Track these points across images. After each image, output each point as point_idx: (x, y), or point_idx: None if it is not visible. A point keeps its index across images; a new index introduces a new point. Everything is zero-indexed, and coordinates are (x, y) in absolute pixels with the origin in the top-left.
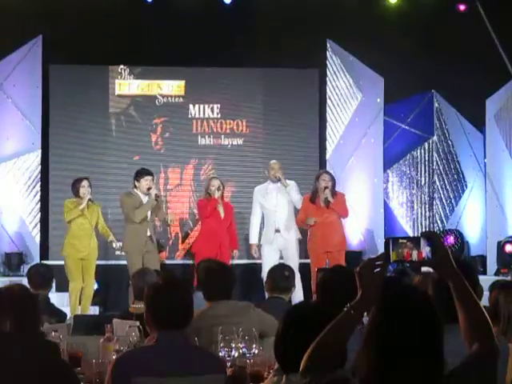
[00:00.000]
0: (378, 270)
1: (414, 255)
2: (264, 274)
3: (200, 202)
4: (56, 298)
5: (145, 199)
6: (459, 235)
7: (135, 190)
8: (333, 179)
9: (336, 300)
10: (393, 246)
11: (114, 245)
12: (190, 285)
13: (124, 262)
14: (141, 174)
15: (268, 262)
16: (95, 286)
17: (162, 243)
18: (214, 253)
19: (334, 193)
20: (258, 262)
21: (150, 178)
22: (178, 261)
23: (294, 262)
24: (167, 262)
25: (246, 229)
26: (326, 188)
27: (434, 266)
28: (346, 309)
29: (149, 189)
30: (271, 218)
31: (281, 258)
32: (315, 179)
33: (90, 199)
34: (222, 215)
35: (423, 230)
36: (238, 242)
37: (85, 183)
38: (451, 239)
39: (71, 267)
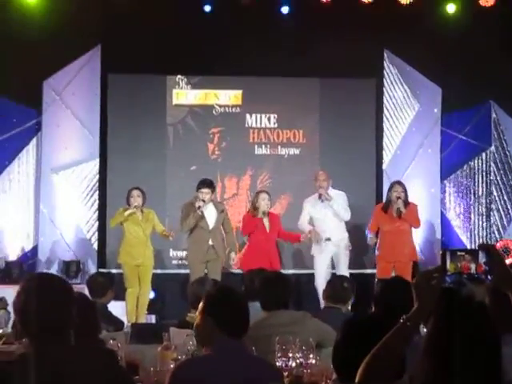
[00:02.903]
0: (435, 281)
1: (473, 268)
2: (317, 283)
3: (245, 217)
4: (113, 306)
5: (205, 209)
6: None
7: (195, 198)
8: (405, 190)
9: (393, 311)
10: (450, 258)
11: (170, 237)
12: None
13: (181, 271)
14: (199, 185)
15: (320, 271)
16: (152, 295)
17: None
18: (264, 265)
19: (406, 203)
20: (309, 271)
21: (206, 190)
22: (235, 270)
23: (344, 269)
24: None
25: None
26: (398, 198)
27: (491, 274)
28: (401, 320)
29: (198, 207)
30: (321, 227)
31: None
32: (388, 190)
33: (136, 207)
34: (268, 228)
35: (480, 240)
36: (290, 251)
37: (134, 193)
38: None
39: (128, 274)
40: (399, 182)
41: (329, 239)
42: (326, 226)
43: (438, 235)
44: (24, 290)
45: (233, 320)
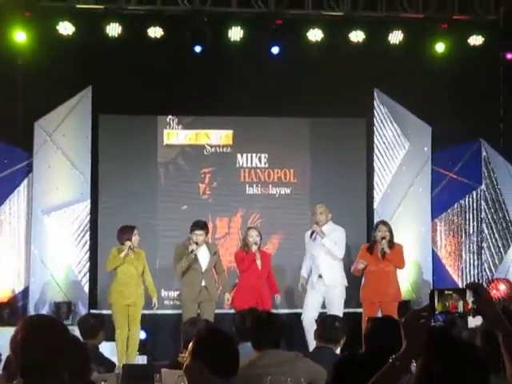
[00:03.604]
0: (423, 321)
1: (460, 307)
2: (303, 317)
3: (237, 254)
4: (104, 347)
5: (198, 250)
6: (508, 284)
7: (188, 239)
8: (390, 230)
9: (383, 350)
10: (438, 297)
11: (154, 303)
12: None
13: (171, 311)
14: (192, 226)
15: (309, 306)
16: (143, 335)
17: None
18: (255, 304)
19: (391, 244)
20: (299, 311)
21: (199, 232)
22: (226, 310)
23: (336, 309)
24: (216, 311)
25: (288, 280)
26: (383, 239)
27: (481, 315)
28: (390, 360)
29: (191, 251)
30: (314, 262)
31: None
32: (373, 230)
33: (130, 247)
34: (260, 266)
35: (472, 278)
36: (280, 290)
37: (135, 231)
38: (503, 287)
39: (117, 314)
40: (384, 222)
41: (320, 276)
42: (320, 262)
43: (430, 274)
44: (20, 330)
45: (222, 361)
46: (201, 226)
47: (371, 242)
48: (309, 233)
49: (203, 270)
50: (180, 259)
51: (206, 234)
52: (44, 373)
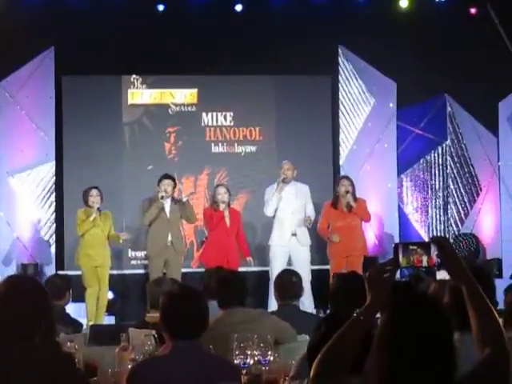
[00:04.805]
0: (387, 275)
1: (425, 261)
2: (272, 277)
3: (205, 211)
4: (72, 307)
5: (166, 202)
6: (474, 239)
7: (156, 194)
8: (352, 184)
9: (348, 306)
10: (403, 251)
11: (121, 238)
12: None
13: (139, 271)
14: (160, 178)
15: (278, 265)
16: (111, 296)
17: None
18: (222, 262)
19: (355, 197)
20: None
21: (167, 181)
22: (194, 269)
23: (305, 267)
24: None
25: (257, 237)
26: (347, 192)
27: (446, 269)
28: (355, 314)
29: (161, 197)
30: (286, 220)
31: (289, 263)
32: (335, 185)
33: (98, 208)
34: (228, 224)
35: (438, 234)
36: (250, 249)
37: (93, 192)
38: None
39: (87, 275)
40: (346, 177)
41: (294, 234)
42: (294, 219)
43: (396, 230)
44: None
45: (185, 321)
46: (168, 176)
47: (334, 198)
48: (274, 186)
49: (168, 217)
50: (148, 208)
51: (174, 186)
52: (24, 335)
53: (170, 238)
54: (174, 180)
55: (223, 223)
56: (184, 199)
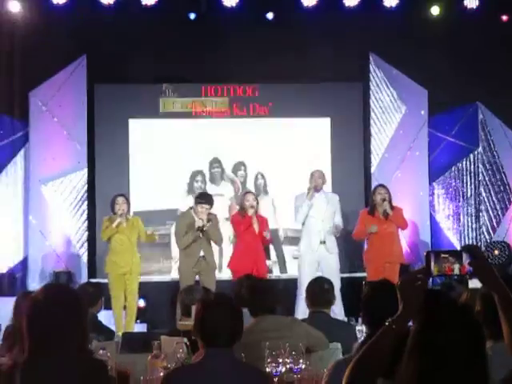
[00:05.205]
0: (419, 283)
1: (456, 269)
2: (300, 285)
3: (234, 217)
4: (103, 315)
5: (198, 222)
6: (507, 247)
7: (192, 210)
8: (389, 192)
9: (380, 314)
10: (434, 259)
11: (155, 235)
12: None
13: (170, 278)
14: (199, 198)
15: (306, 273)
16: (142, 303)
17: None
18: (251, 268)
19: (392, 205)
20: (296, 275)
21: (206, 206)
22: (225, 278)
23: (335, 274)
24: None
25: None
26: (383, 200)
27: (477, 278)
28: (387, 323)
29: (198, 228)
30: (316, 228)
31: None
32: (371, 194)
33: (121, 214)
34: (257, 230)
35: (470, 242)
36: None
37: (119, 200)
38: (496, 252)
39: (112, 283)
40: (382, 185)
41: (323, 242)
42: (324, 227)
43: (428, 237)
44: (39, 299)
45: (219, 329)
46: (208, 199)
47: (371, 206)
48: (303, 193)
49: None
50: (183, 231)
51: (211, 208)
52: (56, 345)
53: (202, 254)
54: (212, 202)
55: (251, 229)
56: (205, 227)
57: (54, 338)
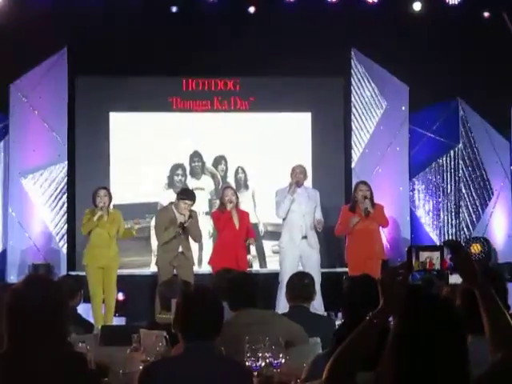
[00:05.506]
0: (400, 278)
1: (437, 264)
2: (282, 279)
3: (214, 214)
4: (82, 308)
5: (180, 218)
6: (486, 242)
7: (173, 205)
8: (370, 189)
9: (361, 309)
10: (415, 254)
11: (134, 229)
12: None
13: (150, 272)
14: (182, 194)
15: (288, 267)
16: (121, 297)
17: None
18: (231, 263)
19: (373, 203)
20: (276, 270)
21: (189, 203)
22: (204, 271)
23: (315, 269)
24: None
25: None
26: (365, 198)
27: (459, 273)
28: (367, 317)
29: (179, 224)
30: (298, 222)
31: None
32: (353, 190)
33: (102, 207)
34: (237, 226)
35: (450, 237)
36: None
37: (101, 192)
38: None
39: (90, 276)
40: (364, 182)
41: (305, 237)
42: (306, 222)
43: (408, 233)
44: (23, 290)
45: (199, 323)
46: (191, 196)
47: (352, 203)
48: (285, 189)
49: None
50: (164, 226)
51: (193, 204)
52: (36, 337)
53: (180, 250)
54: (194, 198)
55: (231, 224)
56: (186, 224)
57: (34, 329)
